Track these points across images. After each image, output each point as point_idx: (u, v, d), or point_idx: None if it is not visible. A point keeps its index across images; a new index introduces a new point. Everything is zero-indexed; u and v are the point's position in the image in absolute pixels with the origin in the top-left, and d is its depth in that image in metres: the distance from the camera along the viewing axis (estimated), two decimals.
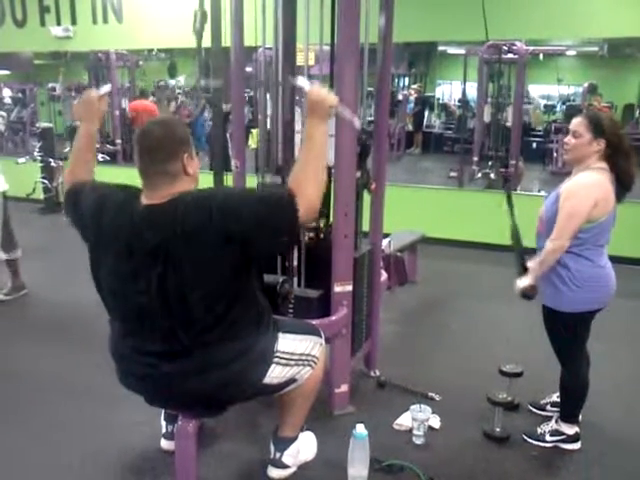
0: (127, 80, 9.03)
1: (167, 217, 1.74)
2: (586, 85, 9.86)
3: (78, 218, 1.98)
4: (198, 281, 1.75)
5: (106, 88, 2.20)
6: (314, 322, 2.32)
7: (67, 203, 2.06)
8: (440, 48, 10.16)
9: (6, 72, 12.08)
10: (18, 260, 4.15)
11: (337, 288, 2.54)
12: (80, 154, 2.14)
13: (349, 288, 2.57)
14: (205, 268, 1.74)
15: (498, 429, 2.52)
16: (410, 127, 11.19)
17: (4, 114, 11.19)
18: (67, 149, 7.87)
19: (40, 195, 7.19)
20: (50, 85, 10.23)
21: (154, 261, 1.74)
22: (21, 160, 7.20)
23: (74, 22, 6.99)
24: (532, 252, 2.46)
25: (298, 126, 2.60)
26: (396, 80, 11.48)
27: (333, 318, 2.53)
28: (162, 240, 1.73)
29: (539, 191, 7.53)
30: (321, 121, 1.84)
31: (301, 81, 1.95)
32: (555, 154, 9.34)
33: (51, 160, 7.09)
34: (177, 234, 1.71)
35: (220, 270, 1.76)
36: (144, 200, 1.80)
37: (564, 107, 10.97)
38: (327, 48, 2.62)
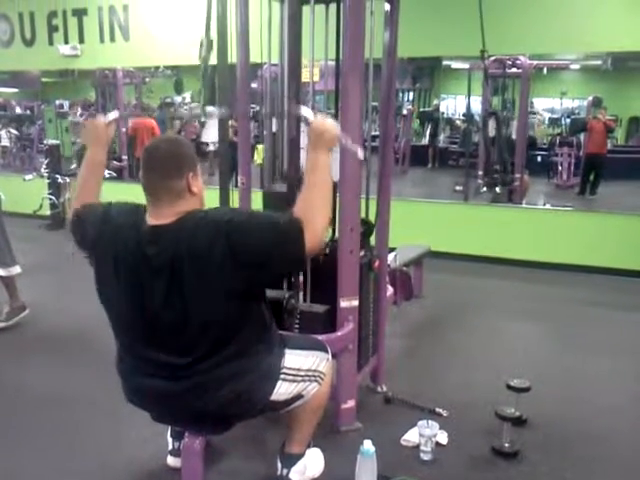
0: (134, 97, 9.12)
1: (173, 236, 1.74)
2: (590, 98, 9.89)
3: (84, 239, 1.98)
4: (202, 301, 1.75)
5: (114, 114, 2.19)
6: (320, 337, 2.31)
7: (74, 226, 2.05)
8: (444, 63, 10.21)
9: (15, 90, 12.22)
10: (14, 277, 3.86)
11: (343, 303, 2.53)
12: (85, 182, 2.14)
13: (355, 303, 2.56)
14: (210, 289, 1.74)
15: (507, 444, 2.50)
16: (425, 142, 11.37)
17: (15, 131, 11.31)
18: (74, 165, 7.94)
19: (47, 211, 7.23)
20: (58, 102, 10.33)
21: (159, 280, 1.75)
22: (28, 177, 7.25)
23: (82, 41, 7.08)
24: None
25: (303, 142, 2.61)
26: (400, 95, 11.54)
27: (339, 333, 2.52)
28: (168, 259, 1.73)
29: (544, 204, 7.53)
30: (324, 152, 1.84)
31: (305, 111, 1.95)
32: (560, 167, 9.34)
33: (58, 177, 7.14)
34: (183, 254, 1.71)
35: (225, 292, 1.76)
36: (150, 220, 1.80)
37: (568, 120, 11.00)
38: (332, 63, 2.64)
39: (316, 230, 1.75)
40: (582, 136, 9.30)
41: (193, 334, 1.80)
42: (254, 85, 3.15)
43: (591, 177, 8.66)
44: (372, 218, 2.81)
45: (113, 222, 1.88)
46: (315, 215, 1.76)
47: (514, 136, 7.51)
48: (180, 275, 1.72)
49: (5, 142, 11.15)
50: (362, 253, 2.64)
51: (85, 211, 2.02)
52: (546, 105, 11.98)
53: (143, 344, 1.87)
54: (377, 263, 2.77)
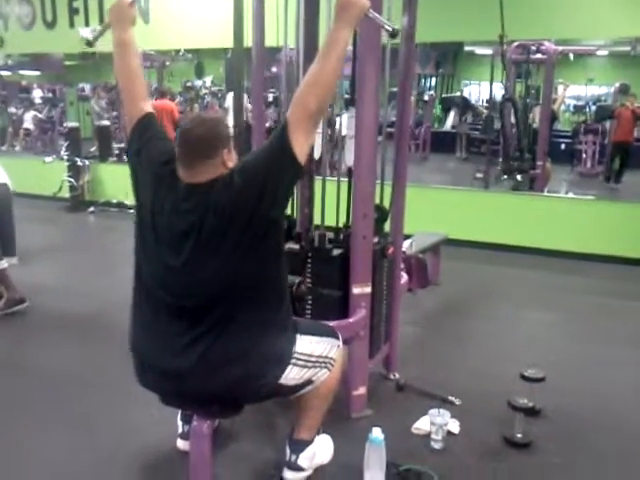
0: (154, 80, 9.13)
1: (205, 197, 1.80)
2: (617, 85, 9.69)
3: (136, 164, 2.02)
4: (224, 259, 1.80)
5: None
6: (331, 324, 2.30)
7: (132, 138, 2.06)
8: (467, 48, 10.05)
9: (37, 72, 12.32)
10: (6, 271, 3.82)
11: (355, 290, 2.52)
12: (122, 70, 2.13)
13: (368, 290, 2.54)
14: (233, 247, 1.79)
15: (519, 435, 2.47)
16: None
17: (38, 114, 11.41)
18: (93, 148, 8.00)
19: (66, 194, 7.30)
20: (80, 86, 10.39)
21: (187, 239, 1.81)
22: (48, 159, 7.34)
23: (102, 23, 7.08)
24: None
25: (319, 127, 2.58)
26: (422, 80, 11.42)
27: (351, 320, 2.51)
28: (197, 218, 1.80)
29: (567, 193, 7.42)
30: (349, 24, 1.84)
31: None
32: (584, 155, 9.18)
33: (77, 159, 7.21)
34: (210, 214, 1.78)
35: (247, 246, 1.80)
36: (184, 178, 1.85)
37: (594, 107, 10.79)
38: (349, 48, 2.60)
39: (307, 105, 1.80)
40: (607, 124, 9.12)
41: (210, 296, 1.84)
42: (275, 69, 3.12)
43: (616, 165, 8.50)
44: (387, 204, 2.78)
45: (161, 176, 1.92)
46: (314, 89, 1.80)
47: (536, 123, 7.38)
48: (207, 233, 1.79)
49: (28, 124, 11.27)
50: (376, 239, 2.62)
51: (147, 136, 2.03)
52: (571, 92, 11.75)
53: (161, 306, 1.90)
54: (391, 250, 2.75)
